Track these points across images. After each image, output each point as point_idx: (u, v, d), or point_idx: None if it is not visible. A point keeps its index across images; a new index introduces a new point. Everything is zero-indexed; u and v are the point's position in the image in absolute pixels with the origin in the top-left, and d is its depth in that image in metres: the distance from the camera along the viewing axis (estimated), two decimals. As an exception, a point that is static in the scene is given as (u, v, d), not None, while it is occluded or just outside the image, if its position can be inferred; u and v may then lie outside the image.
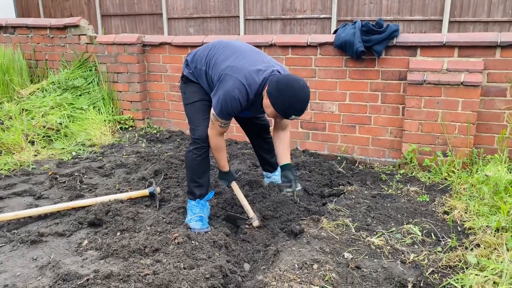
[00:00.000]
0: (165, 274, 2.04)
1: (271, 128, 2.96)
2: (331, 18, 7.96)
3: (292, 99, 2.27)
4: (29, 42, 5.39)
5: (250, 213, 2.66)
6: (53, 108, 4.61)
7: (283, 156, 2.81)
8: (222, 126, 2.52)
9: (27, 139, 4.06)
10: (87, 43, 5.04)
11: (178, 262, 2.16)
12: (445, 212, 2.72)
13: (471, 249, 2.20)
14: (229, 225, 2.70)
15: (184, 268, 2.12)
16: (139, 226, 2.60)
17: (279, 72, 2.44)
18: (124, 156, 3.94)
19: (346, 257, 2.21)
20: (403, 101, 3.59)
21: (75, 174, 3.48)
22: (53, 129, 4.32)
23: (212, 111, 2.50)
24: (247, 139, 2.97)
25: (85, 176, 3.46)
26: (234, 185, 2.80)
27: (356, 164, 3.82)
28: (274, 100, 2.30)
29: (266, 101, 2.37)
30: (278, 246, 2.39)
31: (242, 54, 2.51)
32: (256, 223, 2.62)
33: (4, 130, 4.08)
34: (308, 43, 3.83)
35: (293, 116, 2.33)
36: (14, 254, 2.36)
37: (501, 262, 1.97)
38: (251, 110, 2.58)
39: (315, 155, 3.99)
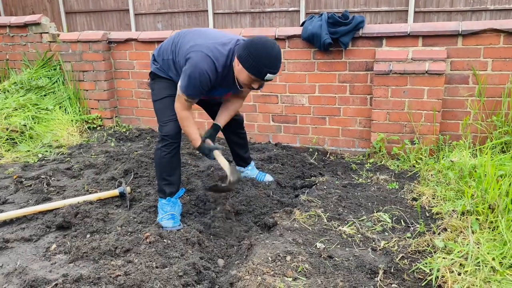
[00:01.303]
0: (137, 274, 2.00)
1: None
2: (299, 11, 7.98)
3: (263, 55, 2.21)
4: (-12, 41, 5.17)
5: (228, 170, 2.52)
6: (16, 109, 4.44)
7: (220, 118, 2.73)
8: (188, 100, 2.45)
9: (-11, 142, 3.91)
10: (50, 42, 4.87)
11: (150, 261, 2.13)
12: (414, 199, 2.78)
13: (439, 234, 2.26)
14: (202, 221, 2.68)
15: (157, 267, 2.09)
16: (109, 227, 2.54)
17: (243, 41, 2.41)
18: (93, 156, 3.85)
19: (318, 247, 2.23)
20: (371, 91, 3.64)
21: (42, 176, 3.37)
22: (17, 131, 4.16)
23: (178, 90, 2.44)
24: (220, 135, 2.93)
25: (53, 179, 3.36)
26: (217, 154, 2.60)
27: (328, 155, 3.86)
28: (245, 61, 2.25)
29: (237, 67, 2.32)
30: (252, 240, 2.39)
31: (205, 33, 2.52)
32: (233, 176, 2.50)
33: (-36, 134, 3.91)
34: (276, 36, 3.83)
35: (269, 76, 2.26)
36: (-22, 262, 2.28)
37: (467, 244, 2.04)
38: (223, 85, 2.53)
39: (287, 148, 4.01)
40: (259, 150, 3.95)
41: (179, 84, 2.44)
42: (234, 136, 3.10)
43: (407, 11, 7.31)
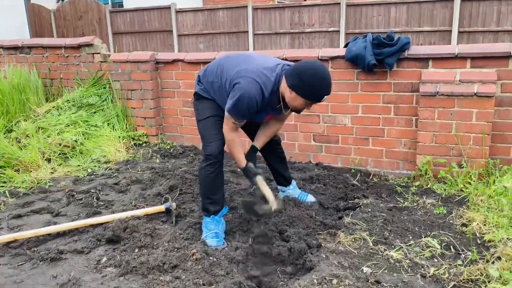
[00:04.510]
0: (184, 290, 2.04)
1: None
2: (339, 31, 8.01)
3: (317, 80, 2.27)
4: (44, 61, 5.50)
5: (271, 197, 2.48)
6: (69, 125, 4.69)
7: (258, 140, 2.81)
8: (235, 123, 2.53)
9: (43, 156, 4.12)
10: (101, 61, 5.13)
11: (197, 278, 2.17)
12: (463, 225, 2.69)
13: (492, 262, 2.17)
14: (245, 239, 2.69)
15: (203, 285, 2.12)
16: (156, 242, 2.61)
17: (288, 66, 2.46)
18: (139, 172, 3.98)
19: (365, 271, 2.20)
20: (416, 113, 3.59)
21: (92, 191, 3.51)
22: (69, 147, 4.38)
23: (226, 113, 2.50)
24: (259, 153, 2.96)
25: (101, 193, 3.50)
26: (259, 179, 2.56)
27: (371, 177, 3.81)
28: (299, 89, 2.30)
29: (290, 95, 2.36)
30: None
31: (251, 58, 2.58)
32: (275, 205, 2.46)
33: (21, 148, 4.15)
34: (319, 57, 3.86)
35: (325, 97, 2.34)
36: (34, 272, 2.39)
37: (524, 275, 1.95)
38: (267, 109, 2.57)
39: (328, 168, 3.99)
40: (300, 169, 3.95)
41: (226, 107, 2.50)
42: (272, 155, 3.12)
43: (450, 31, 7.18)
